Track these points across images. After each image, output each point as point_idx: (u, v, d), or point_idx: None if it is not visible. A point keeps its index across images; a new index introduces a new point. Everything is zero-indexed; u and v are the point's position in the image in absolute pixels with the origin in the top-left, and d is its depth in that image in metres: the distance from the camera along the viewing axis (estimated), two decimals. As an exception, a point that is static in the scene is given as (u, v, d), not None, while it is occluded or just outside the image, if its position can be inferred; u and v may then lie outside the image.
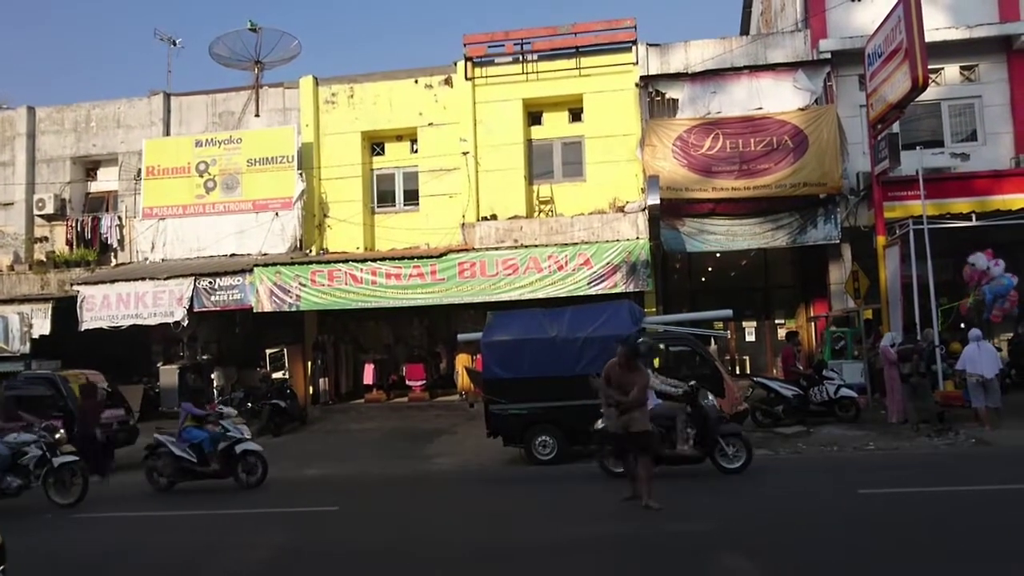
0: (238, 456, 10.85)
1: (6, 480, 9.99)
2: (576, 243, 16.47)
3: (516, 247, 16.78)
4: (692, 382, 10.24)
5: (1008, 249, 14.40)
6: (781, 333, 18.57)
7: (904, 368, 12.99)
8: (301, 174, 18.58)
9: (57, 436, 10.54)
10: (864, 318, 15.61)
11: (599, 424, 9.37)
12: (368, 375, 19.33)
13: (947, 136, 17.45)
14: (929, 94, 15.00)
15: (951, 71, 17.39)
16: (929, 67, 13.53)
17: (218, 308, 17.35)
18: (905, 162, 15.11)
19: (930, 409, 12.90)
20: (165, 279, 17.22)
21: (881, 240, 15.05)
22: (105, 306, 17.32)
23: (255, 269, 16.96)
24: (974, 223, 14.62)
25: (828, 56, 17.16)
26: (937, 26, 16.26)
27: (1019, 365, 14.26)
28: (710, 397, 10.00)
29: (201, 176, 18.93)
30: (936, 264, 14.03)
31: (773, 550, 6.39)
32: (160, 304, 17.21)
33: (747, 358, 19.58)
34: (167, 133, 19.98)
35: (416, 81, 19.15)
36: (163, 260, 18.66)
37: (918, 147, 15.91)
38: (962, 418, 12.81)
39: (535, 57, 18.56)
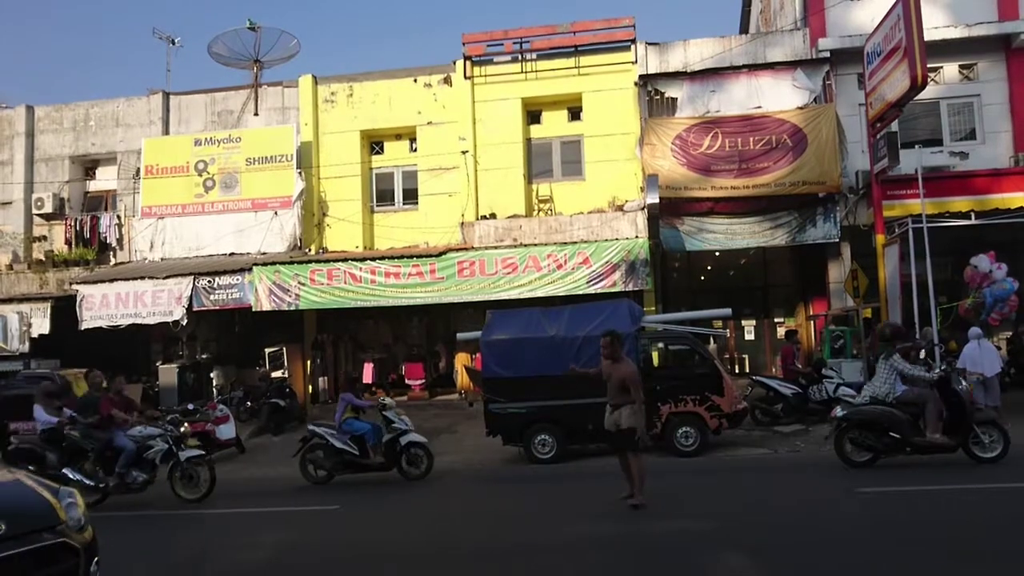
0: (403, 448, 10.70)
1: (131, 475, 9.83)
2: (575, 242, 16.48)
3: (515, 246, 16.78)
4: (944, 366, 10.05)
5: (1007, 248, 14.41)
6: (780, 332, 18.59)
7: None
8: (300, 173, 18.57)
9: (183, 429, 10.35)
10: (863, 317, 15.62)
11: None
12: (367, 374, 19.33)
13: (946, 135, 17.46)
14: (928, 93, 15.01)
15: (950, 70, 17.39)
16: (928, 66, 13.52)
17: (217, 307, 17.36)
18: (904, 161, 15.11)
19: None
20: (164, 278, 17.22)
21: (880, 239, 15.06)
22: (104, 305, 17.32)
23: (254, 268, 16.96)
24: (973, 222, 14.63)
25: (827, 55, 17.16)
26: (936, 25, 16.25)
27: (1018, 364, 14.27)
28: (963, 382, 9.79)
29: (200, 175, 18.93)
30: (935, 263, 14.04)
31: (772, 549, 6.40)
32: (159, 303, 17.21)
33: (746, 357, 19.60)
34: (166, 132, 19.97)
35: (415, 80, 19.14)
36: (162, 259, 18.65)
37: (917, 146, 15.91)
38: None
39: (534, 56, 18.56)
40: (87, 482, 9.72)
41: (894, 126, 15.30)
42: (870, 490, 8.42)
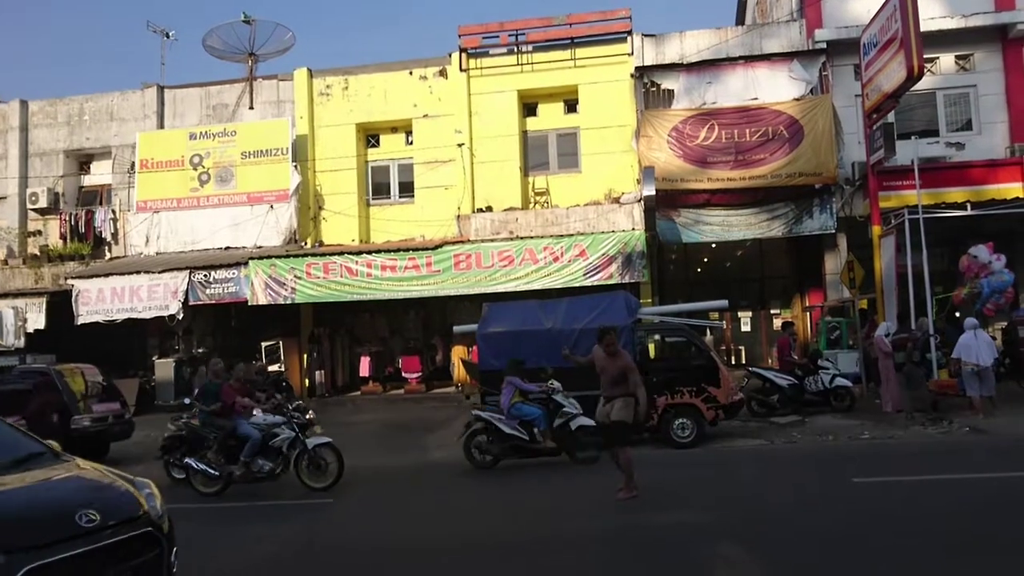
0: (573, 432, 10.52)
1: (257, 463, 9.59)
2: (572, 234, 16.47)
3: (512, 239, 16.76)
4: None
5: (1002, 239, 14.43)
6: (777, 323, 18.63)
7: (898, 357, 13.03)
8: (296, 166, 18.53)
9: (308, 416, 10.09)
10: (859, 308, 15.64)
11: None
12: (364, 367, 19.32)
13: (942, 125, 17.46)
14: (924, 83, 15.01)
15: (946, 60, 17.38)
16: (924, 56, 13.51)
17: (213, 301, 17.34)
18: (900, 152, 15.11)
19: (924, 398, 12.93)
20: (160, 272, 17.18)
21: (876, 230, 15.07)
22: (100, 300, 17.29)
23: (250, 262, 16.93)
24: (969, 212, 14.65)
25: (823, 46, 17.15)
26: (932, 15, 16.24)
27: (1012, 355, 14.30)
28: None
29: (195, 169, 18.88)
30: (931, 254, 14.06)
31: (769, 540, 6.41)
32: (155, 298, 17.19)
33: (743, 348, 19.64)
34: (161, 126, 19.91)
35: (411, 73, 19.09)
36: (157, 253, 18.62)
37: (913, 137, 15.91)
38: (956, 407, 12.85)
39: (530, 48, 18.52)
40: (211, 471, 9.61)
41: (890, 117, 15.29)
42: (865, 479, 8.44)
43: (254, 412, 10.16)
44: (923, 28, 13.47)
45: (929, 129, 17.31)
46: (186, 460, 9.71)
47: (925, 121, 17.44)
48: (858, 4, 16.96)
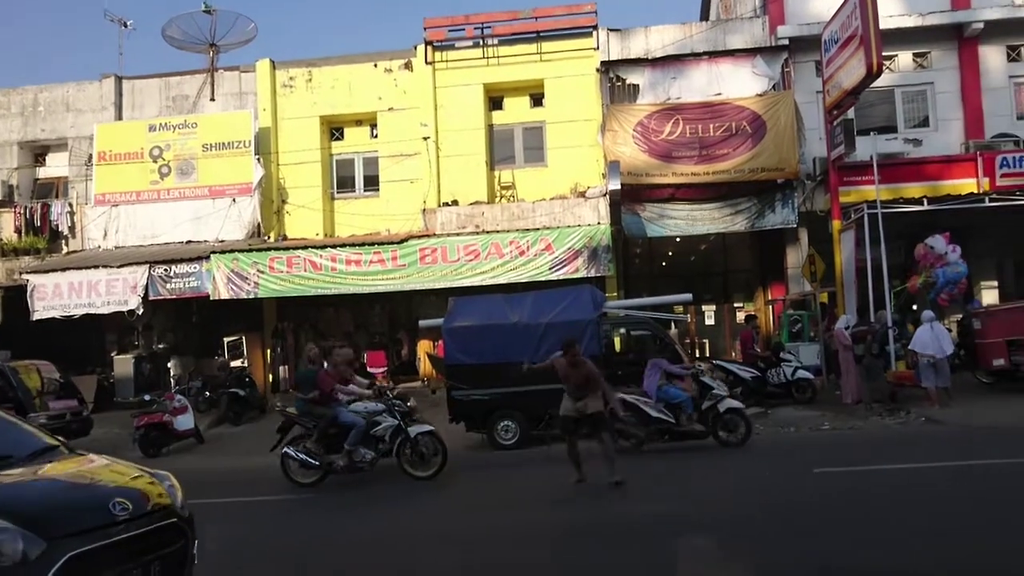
0: (721, 415, 10.39)
1: (360, 452, 9.36)
2: (538, 228, 16.49)
3: (478, 233, 16.73)
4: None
5: (957, 233, 14.75)
6: (740, 316, 18.83)
7: (858, 350, 13.28)
8: (259, 159, 18.28)
9: (410, 404, 9.82)
10: (820, 301, 15.90)
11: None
12: (329, 362, 19.15)
13: (900, 122, 17.80)
14: (883, 81, 15.28)
15: (904, 58, 17.71)
16: (883, 54, 13.73)
17: (174, 296, 17.05)
18: (860, 147, 15.37)
19: (883, 389, 13.20)
20: (119, 267, 16.85)
21: (837, 224, 15.31)
22: (57, 295, 16.90)
23: (212, 256, 16.68)
24: (926, 207, 14.94)
25: (786, 42, 17.35)
26: (891, 13, 16.53)
27: (967, 346, 14.66)
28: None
29: (155, 161, 18.52)
30: (889, 247, 14.33)
31: (733, 528, 6.50)
32: (114, 292, 16.84)
33: (707, 341, 19.84)
34: (119, 117, 19.49)
35: (375, 65, 18.93)
36: (116, 247, 18.25)
37: (872, 133, 16.19)
38: (913, 398, 13.15)
39: (496, 42, 18.46)
40: (311, 461, 9.40)
41: (851, 113, 15.53)
42: (825, 469, 8.60)
43: (357, 399, 9.90)
44: (882, 26, 13.70)
45: (888, 125, 17.63)
46: (284, 449, 9.50)
47: (884, 118, 17.76)
48: (820, 1, 17.16)
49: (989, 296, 17.17)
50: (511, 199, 18.30)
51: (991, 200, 14.94)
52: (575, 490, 8.34)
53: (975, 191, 15.47)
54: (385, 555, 6.53)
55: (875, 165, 14.67)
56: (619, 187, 15.82)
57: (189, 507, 4.88)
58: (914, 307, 16.46)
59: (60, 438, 5.50)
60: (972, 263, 15.03)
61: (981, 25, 16.99)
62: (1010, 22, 17.05)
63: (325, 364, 10.34)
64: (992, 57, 17.46)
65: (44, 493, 4.44)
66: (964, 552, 5.55)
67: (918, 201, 15.11)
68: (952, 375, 13.25)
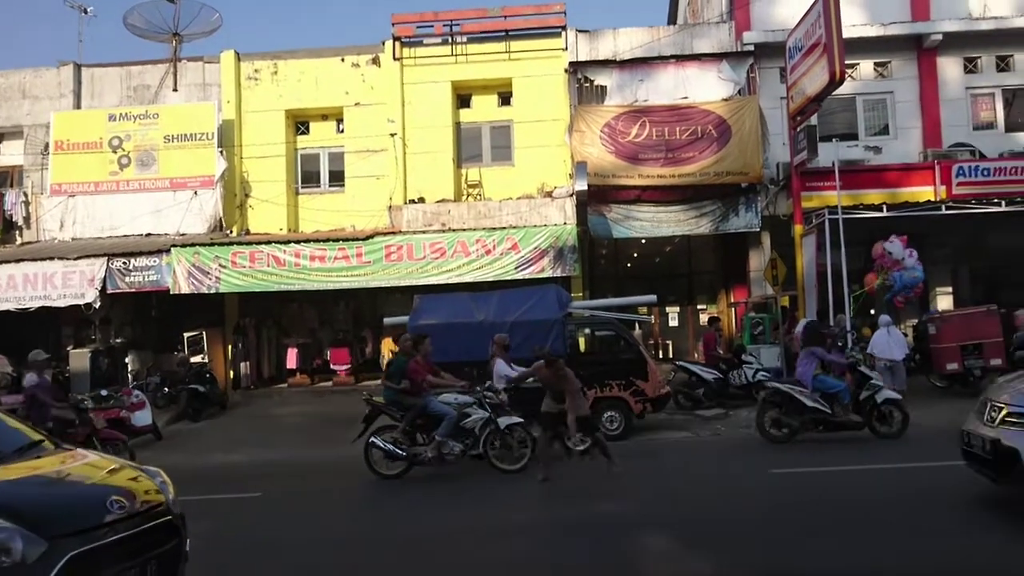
0: (879, 406, 10.25)
1: (448, 444, 9.23)
2: (504, 227, 16.49)
3: (444, 231, 16.68)
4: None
5: (914, 240, 15.08)
6: (703, 318, 19.04)
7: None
8: (222, 152, 18.00)
9: (500, 397, 9.63)
10: (781, 304, 16.14)
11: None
12: (291, 359, 18.97)
13: (861, 129, 18.14)
14: (845, 88, 15.53)
15: (866, 67, 18.05)
16: (846, 62, 13.97)
17: (133, 290, 16.72)
18: (822, 154, 15.62)
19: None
20: (75, 259, 16.47)
21: (799, 229, 15.55)
22: (11, 287, 16.46)
23: (172, 250, 16.39)
24: (885, 214, 15.24)
25: (751, 48, 17.57)
26: (854, 23, 16.80)
27: (922, 350, 15.00)
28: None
29: (115, 152, 18.14)
30: (849, 252, 14.59)
31: (690, 528, 6.56)
32: (70, 285, 16.46)
33: (670, 343, 20.02)
34: (78, 106, 19.05)
35: (343, 59, 18.76)
36: (73, 239, 17.84)
37: (834, 139, 16.47)
38: (871, 400, 13.38)
39: (464, 39, 18.40)
40: (398, 451, 9.27)
41: (813, 120, 15.79)
42: (782, 470, 8.74)
43: (453, 393, 9.84)
44: (845, 35, 13.91)
45: (849, 133, 17.96)
46: (371, 439, 9.37)
47: (845, 125, 18.08)
48: (785, 8, 17.43)
49: (944, 302, 17.58)
50: (478, 198, 18.28)
51: (947, 208, 15.30)
52: (542, 490, 8.37)
53: (932, 199, 15.83)
54: (341, 554, 6.48)
55: (836, 171, 14.93)
56: (586, 188, 15.89)
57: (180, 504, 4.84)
58: (872, 311, 16.79)
59: (44, 432, 5.37)
60: (928, 269, 15.38)
61: (940, 37, 17.39)
62: (967, 35, 17.48)
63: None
64: (950, 68, 17.88)
65: (42, 492, 4.36)
66: (891, 552, 5.68)
67: (877, 207, 15.41)
68: (908, 378, 13.56)
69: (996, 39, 17.61)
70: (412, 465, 9.37)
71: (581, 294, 16.51)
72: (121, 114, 18.31)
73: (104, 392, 13.63)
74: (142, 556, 4.19)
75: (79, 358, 17.45)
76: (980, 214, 15.38)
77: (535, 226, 16.46)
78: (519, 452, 9.40)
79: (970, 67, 18.00)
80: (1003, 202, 15.25)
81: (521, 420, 9.51)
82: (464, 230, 16.57)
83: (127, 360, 18.06)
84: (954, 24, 17.38)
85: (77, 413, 10.32)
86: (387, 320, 14.98)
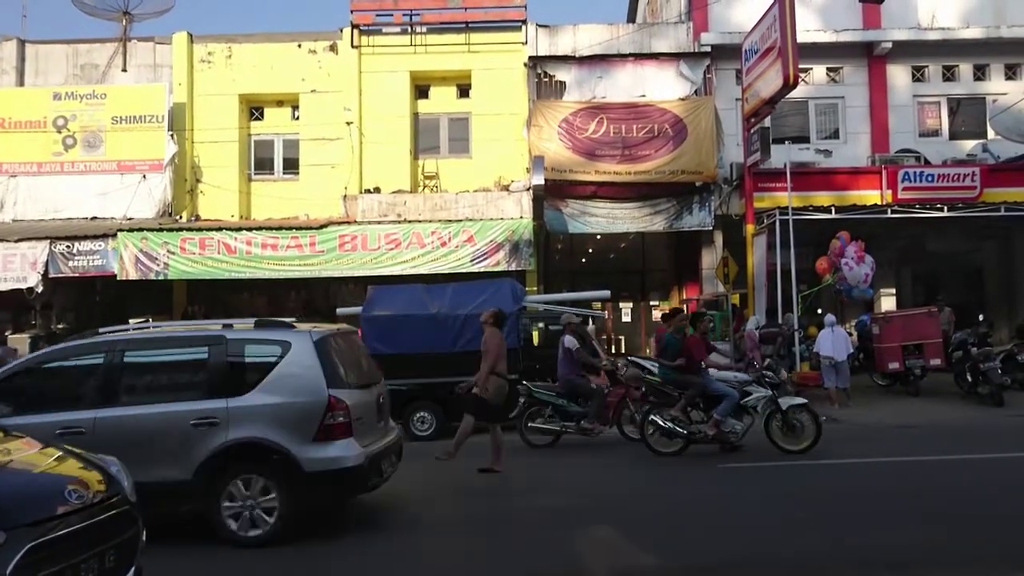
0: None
1: (728, 422, 9.00)
2: (460, 220, 16.44)
3: (399, 221, 16.57)
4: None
5: (861, 241, 15.49)
6: (656, 314, 19.25)
7: (766, 350, 13.78)
8: (172, 135, 17.59)
9: (783, 376, 9.30)
10: (732, 302, 16.41)
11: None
12: (241, 348, 18.63)
13: (813, 133, 18.53)
14: (798, 92, 15.85)
15: (819, 72, 18.43)
16: (799, 67, 14.24)
17: (77, 274, 16.25)
18: (774, 155, 15.90)
19: (786, 390, 13.72)
20: (16, 241, 15.95)
21: (750, 228, 15.82)
22: (-54, 269, 15.88)
23: (119, 234, 15.97)
24: (834, 216, 15.59)
25: (708, 49, 17.79)
26: (808, 28, 17.14)
27: (866, 349, 15.41)
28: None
29: (59, 132, 17.59)
30: (798, 253, 14.90)
31: (637, 522, 6.64)
32: (11, 269, 15.95)
33: (623, 338, 20.21)
34: (20, 83, 18.42)
35: (299, 45, 18.47)
36: (14, 221, 17.28)
37: (787, 142, 16.79)
38: (816, 398, 13.66)
39: (424, 30, 18.29)
40: (679, 430, 9.08)
41: (767, 122, 16.06)
42: (728, 464, 8.91)
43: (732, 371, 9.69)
44: (799, 40, 14.17)
45: (801, 135, 18.32)
46: (650, 417, 9.18)
47: (798, 128, 18.45)
48: (742, 11, 17.69)
49: (887, 303, 18.08)
50: (434, 189, 18.19)
51: (893, 212, 15.72)
52: (489, 481, 8.38)
53: (879, 202, 16.24)
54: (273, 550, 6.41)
55: (788, 173, 15.22)
56: (543, 182, 15.93)
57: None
58: (819, 311, 17.18)
59: None
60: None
61: (889, 45, 17.84)
62: (916, 44, 17.96)
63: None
64: (899, 76, 18.36)
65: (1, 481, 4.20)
66: (838, 541, 5.84)
67: (827, 209, 15.76)
68: (852, 377, 13.93)
69: (943, 49, 18.15)
70: (689, 444, 9.30)
71: (536, 288, 16.55)
72: (67, 93, 17.77)
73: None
74: (100, 546, 4.08)
75: (18, 344, 16.91)
76: (923, 218, 15.84)
77: (491, 219, 16.45)
78: (804, 432, 9.22)
79: (918, 75, 18.51)
80: (945, 207, 15.73)
81: (804, 402, 9.48)
82: (420, 222, 16.49)
83: (69, 347, 17.54)
84: (903, 33, 17.84)
85: None
86: (340, 310, 14.81)
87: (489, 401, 8.61)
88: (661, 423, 9.28)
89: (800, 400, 9.53)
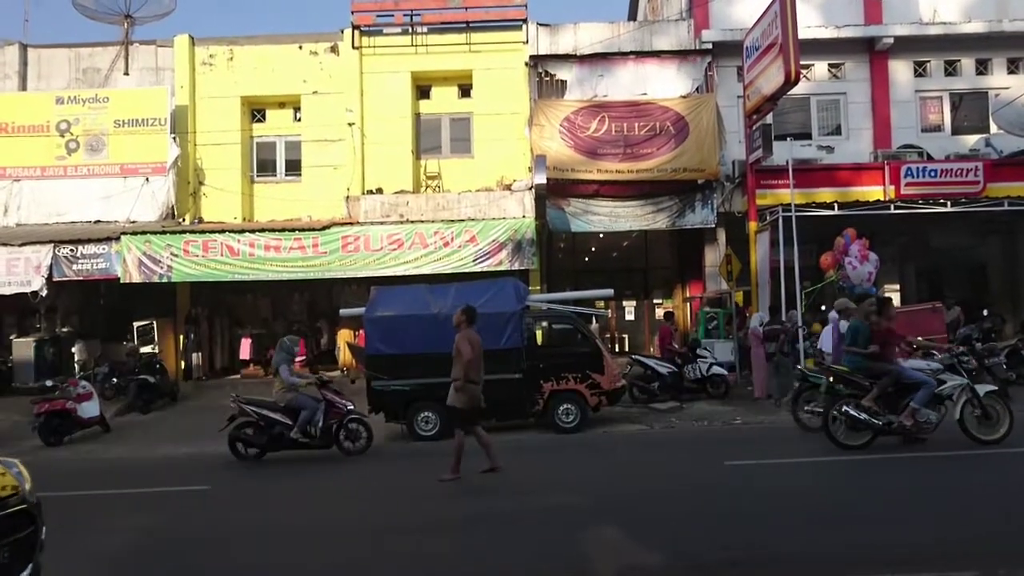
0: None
1: (923, 412, 8.67)
2: (462, 220, 16.45)
3: (402, 222, 16.58)
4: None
5: (864, 237, 15.44)
6: (659, 313, 19.25)
7: (769, 347, 13.76)
8: (175, 138, 17.64)
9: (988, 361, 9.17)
10: (735, 300, 16.39)
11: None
12: (244, 350, 18.69)
13: (815, 129, 18.50)
14: (800, 89, 15.82)
15: (820, 68, 18.39)
16: (801, 63, 14.22)
17: (81, 278, 16.31)
18: (776, 152, 15.87)
19: (791, 386, 13.70)
20: (20, 245, 16.01)
21: (753, 226, 15.78)
22: (-49, 273, 15.93)
23: (122, 237, 16.02)
24: (836, 212, 15.55)
25: (709, 46, 17.78)
26: (809, 24, 17.11)
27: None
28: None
29: (62, 136, 17.65)
30: (801, 250, 14.84)
31: (645, 520, 6.64)
32: (15, 272, 16.02)
33: (626, 336, 20.21)
34: (23, 88, 18.48)
35: (300, 47, 18.50)
36: (18, 225, 17.34)
37: (789, 138, 16.73)
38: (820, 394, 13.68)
39: (425, 30, 18.31)
40: (874, 421, 8.80)
41: (769, 118, 16.02)
42: (735, 462, 8.88)
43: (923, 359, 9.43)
44: (800, 36, 14.14)
45: (803, 132, 18.28)
46: (844, 408, 8.89)
47: (799, 124, 18.41)
48: (743, 8, 17.67)
49: (891, 299, 17.99)
50: (436, 189, 18.20)
51: (896, 207, 15.67)
52: (494, 481, 8.37)
53: (882, 198, 16.21)
54: (275, 549, 6.42)
55: (790, 170, 15.16)
56: (545, 181, 15.92)
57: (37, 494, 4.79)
58: (822, 308, 17.14)
59: None
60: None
61: (891, 40, 17.80)
62: (918, 39, 17.92)
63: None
64: (901, 71, 18.32)
65: None
66: (855, 534, 5.82)
67: (829, 206, 15.71)
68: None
69: (945, 44, 18.10)
70: (877, 435, 8.92)
71: (539, 287, 16.55)
72: (69, 97, 17.82)
73: (49, 382, 13.27)
74: None
75: (23, 347, 17.02)
76: (926, 214, 15.80)
77: (494, 219, 16.45)
78: (1000, 421, 8.89)
79: (920, 71, 18.47)
80: (948, 203, 15.68)
81: (997, 387, 9.27)
82: (422, 222, 16.50)
83: (74, 350, 17.61)
84: (905, 28, 17.80)
85: None
86: (344, 311, 14.84)
87: (463, 409, 8.50)
88: (856, 414, 8.86)
89: (992, 387, 9.27)
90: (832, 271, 14.89)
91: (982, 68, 18.48)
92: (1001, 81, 18.22)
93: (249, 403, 10.39)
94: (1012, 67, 18.39)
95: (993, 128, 17.92)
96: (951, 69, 18.48)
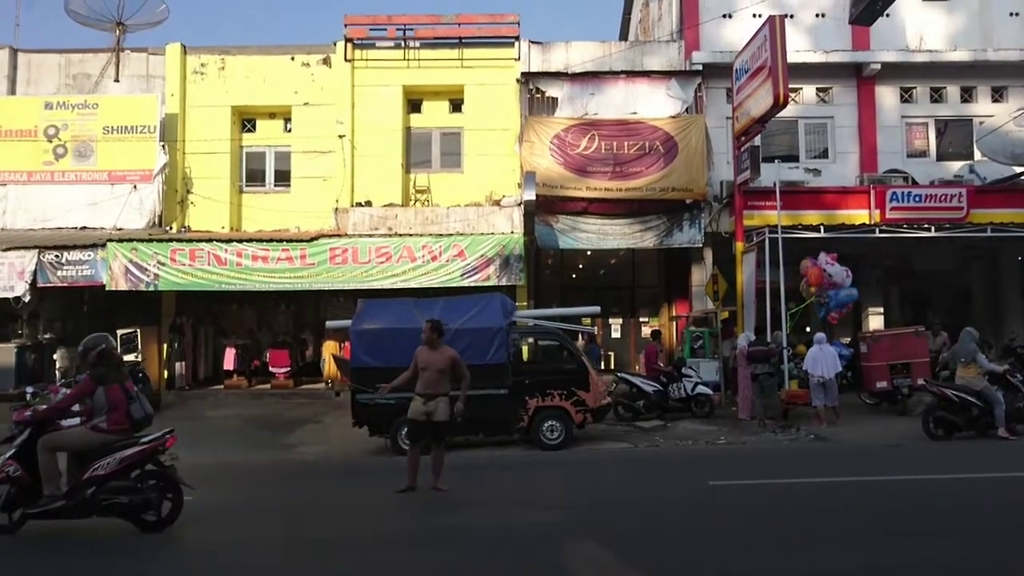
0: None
1: None
2: (451, 234, 16.47)
3: (390, 235, 16.58)
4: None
5: (848, 261, 15.59)
6: (645, 331, 19.29)
7: (756, 368, 13.82)
8: (164, 146, 17.58)
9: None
10: (721, 319, 16.46)
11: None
12: (229, 360, 18.56)
13: (802, 152, 18.68)
14: (788, 112, 15.99)
15: (808, 91, 18.60)
16: (789, 86, 14.38)
17: (66, 284, 16.17)
18: (764, 174, 16.00)
19: (775, 406, 13.77)
20: (5, 250, 15.87)
21: (740, 246, 15.89)
22: (-67, 277, 15.76)
23: (109, 244, 15.92)
24: (822, 235, 15.69)
25: (699, 68, 17.94)
26: (798, 48, 17.33)
27: (854, 367, 15.47)
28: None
29: (50, 141, 17.56)
30: (787, 271, 14.97)
31: (627, 539, 6.62)
32: (-2, 277, 15.85)
33: (612, 354, 20.22)
34: (12, 92, 18.37)
35: (292, 58, 18.53)
36: (3, 230, 17.19)
37: (776, 160, 16.91)
38: (804, 416, 13.76)
39: (417, 44, 18.39)
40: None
41: (757, 140, 16.18)
42: (718, 482, 8.89)
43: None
44: (789, 59, 14.30)
45: (790, 154, 18.45)
46: None
47: (787, 147, 18.59)
48: (733, 31, 17.88)
49: (875, 322, 18.16)
50: (426, 203, 18.22)
51: (881, 231, 15.82)
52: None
53: (867, 222, 16.38)
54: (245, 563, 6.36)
55: (778, 191, 15.33)
56: (534, 198, 16.00)
57: None
58: (807, 329, 17.25)
59: None
60: (861, 290, 15.90)
61: (878, 66, 18.04)
62: (904, 65, 18.17)
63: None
64: (887, 97, 18.56)
65: None
66: (826, 560, 5.83)
67: (815, 228, 15.85)
68: (841, 395, 13.97)
69: (931, 71, 18.37)
70: None
71: (526, 303, 16.57)
72: (59, 102, 17.75)
73: (30, 389, 13.09)
74: None
75: (4, 353, 16.81)
76: (911, 238, 15.96)
77: (482, 234, 16.48)
78: None
79: (906, 96, 18.72)
80: (932, 227, 15.85)
81: None
82: (411, 235, 16.50)
83: (55, 357, 17.43)
84: (892, 55, 18.05)
85: None
86: (330, 323, 14.80)
87: (444, 423, 8.50)
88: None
89: None
90: (814, 287, 15.02)
91: (967, 96, 18.75)
92: (985, 109, 18.49)
93: None
94: (996, 95, 18.67)
95: (977, 155, 18.17)
96: (936, 96, 18.74)
